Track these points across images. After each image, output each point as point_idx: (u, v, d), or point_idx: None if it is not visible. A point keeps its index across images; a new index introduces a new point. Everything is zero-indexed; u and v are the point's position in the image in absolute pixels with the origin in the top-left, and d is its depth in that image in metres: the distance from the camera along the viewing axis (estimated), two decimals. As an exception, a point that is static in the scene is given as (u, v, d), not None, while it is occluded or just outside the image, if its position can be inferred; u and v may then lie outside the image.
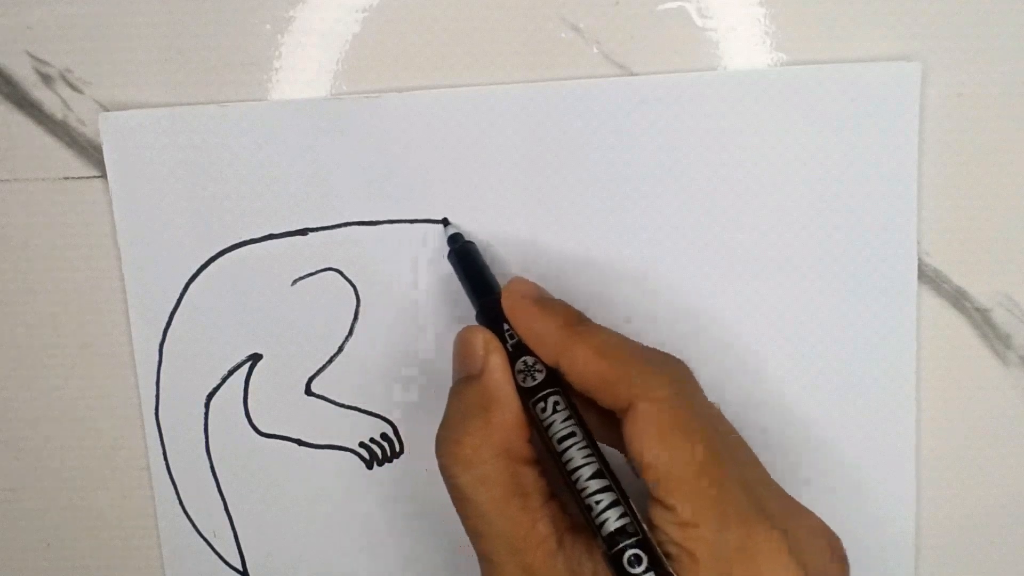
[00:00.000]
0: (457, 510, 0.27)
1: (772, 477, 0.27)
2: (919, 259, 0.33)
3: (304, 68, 0.33)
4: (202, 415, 0.34)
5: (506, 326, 0.28)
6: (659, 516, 0.25)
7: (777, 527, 0.24)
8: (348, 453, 0.35)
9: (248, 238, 0.33)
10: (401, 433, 0.34)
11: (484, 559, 0.26)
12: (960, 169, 0.33)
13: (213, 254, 0.33)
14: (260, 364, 0.34)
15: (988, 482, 0.34)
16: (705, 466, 0.24)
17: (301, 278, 0.33)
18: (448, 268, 0.32)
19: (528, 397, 0.27)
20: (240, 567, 0.35)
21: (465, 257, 0.31)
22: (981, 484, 0.34)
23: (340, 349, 0.34)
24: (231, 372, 0.34)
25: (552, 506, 0.26)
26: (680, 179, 0.32)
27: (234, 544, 0.35)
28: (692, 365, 0.28)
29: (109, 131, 0.33)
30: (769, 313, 0.33)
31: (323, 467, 0.35)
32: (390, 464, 0.35)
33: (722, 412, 0.27)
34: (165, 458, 0.35)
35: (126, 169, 0.33)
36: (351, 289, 0.33)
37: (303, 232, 0.33)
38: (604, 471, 0.26)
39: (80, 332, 0.35)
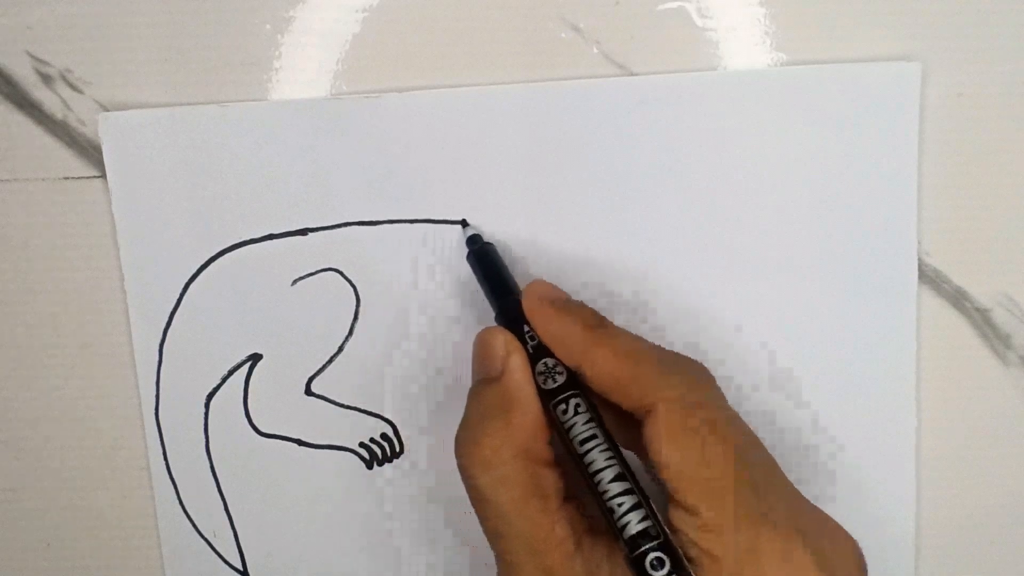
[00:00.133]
0: (476, 511, 0.27)
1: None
2: (919, 259, 0.33)
3: (304, 68, 0.33)
4: (202, 415, 0.34)
5: (526, 328, 0.28)
6: (680, 519, 0.25)
7: (801, 534, 0.24)
8: (348, 453, 0.35)
9: (248, 238, 0.33)
10: (401, 433, 0.34)
11: (502, 560, 0.26)
12: (960, 169, 0.33)
13: (213, 254, 0.33)
14: (260, 364, 0.34)
15: (988, 482, 0.34)
16: (729, 471, 0.24)
17: (301, 278, 0.33)
18: (455, 267, 0.32)
19: (548, 399, 0.27)
20: (240, 567, 0.35)
21: (484, 258, 0.31)
22: (981, 484, 0.34)
23: (340, 349, 0.34)
24: (231, 372, 0.34)
25: (570, 508, 0.26)
26: (680, 179, 0.32)
27: (234, 544, 0.35)
28: (692, 365, 0.28)
29: (109, 131, 0.33)
30: (769, 313, 0.33)
31: (323, 467, 0.35)
32: (390, 464, 0.35)
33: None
34: (165, 458, 0.35)
35: (126, 169, 0.33)
36: (351, 289, 0.33)
37: (303, 232, 0.33)
38: (626, 474, 0.26)
39: (80, 332, 0.35)
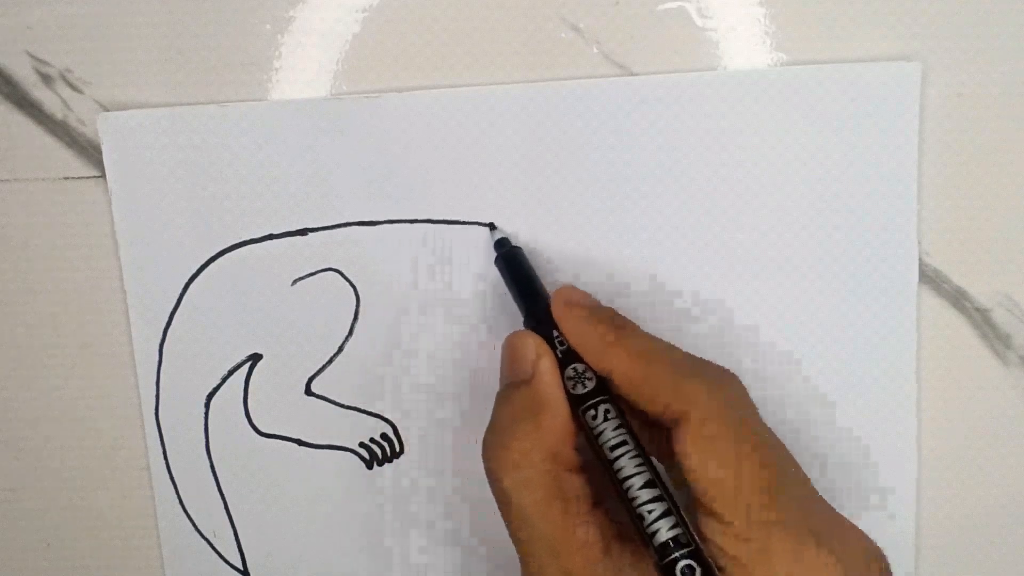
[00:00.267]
0: (501, 513, 0.27)
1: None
2: (919, 259, 0.33)
3: (304, 68, 0.33)
4: (202, 415, 0.34)
5: (555, 332, 0.28)
6: (710, 528, 0.25)
7: (832, 548, 0.24)
8: (348, 453, 0.35)
9: (248, 238, 0.33)
10: (401, 433, 0.34)
11: (525, 562, 0.26)
12: (960, 169, 0.33)
13: (213, 254, 0.33)
14: (260, 364, 0.34)
15: (988, 482, 0.34)
16: (762, 481, 0.24)
17: (301, 278, 0.33)
18: (455, 267, 0.32)
19: (578, 404, 0.27)
20: (240, 566, 0.35)
21: (512, 262, 0.31)
22: (981, 484, 0.34)
23: (340, 349, 0.34)
24: (231, 372, 0.34)
25: (598, 513, 0.26)
26: (680, 179, 0.32)
27: (234, 543, 0.35)
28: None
29: (108, 131, 0.33)
30: (769, 313, 0.33)
31: (323, 467, 0.35)
32: (390, 464, 0.35)
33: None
34: (165, 458, 0.35)
35: (125, 169, 0.33)
36: (351, 289, 0.33)
37: (303, 232, 0.33)
38: (655, 480, 0.26)
39: (80, 332, 0.35)
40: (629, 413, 0.27)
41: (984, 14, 0.32)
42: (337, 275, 0.33)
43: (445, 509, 0.35)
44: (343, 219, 0.33)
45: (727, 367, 0.33)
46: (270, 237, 0.33)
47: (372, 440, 0.34)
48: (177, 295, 0.34)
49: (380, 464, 0.35)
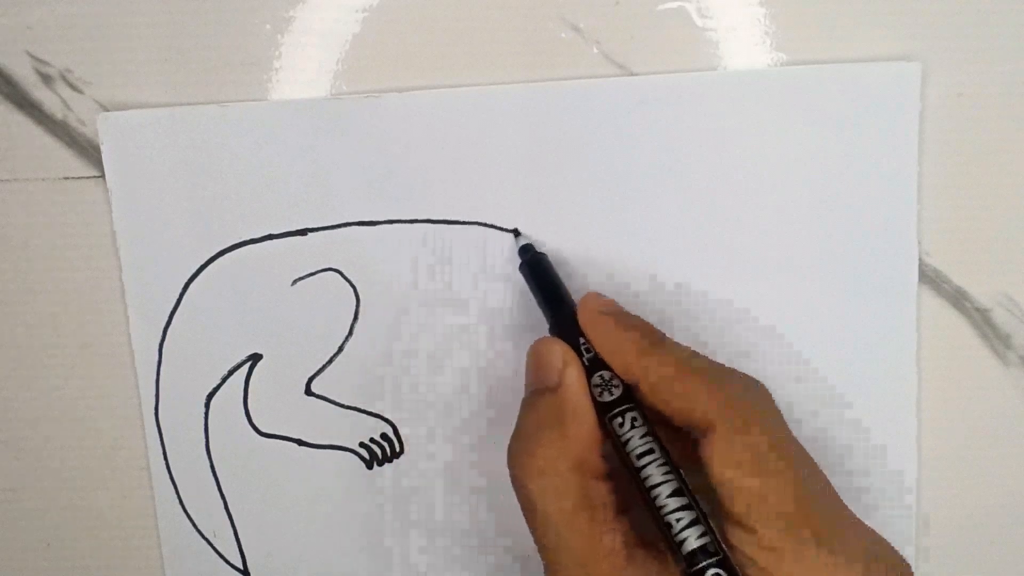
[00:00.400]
0: (527, 520, 0.27)
1: None
2: (919, 259, 0.33)
3: (304, 68, 0.33)
4: (202, 415, 0.34)
5: (581, 340, 0.28)
6: (737, 537, 0.25)
7: (858, 556, 0.24)
8: (348, 453, 0.35)
9: (248, 238, 0.33)
10: (401, 433, 0.34)
11: (551, 569, 0.26)
12: (960, 169, 0.33)
13: (213, 254, 0.33)
14: (260, 364, 0.34)
15: (988, 482, 0.34)
16: (789, 490, 0.25)
17: (301, 278, 0.33)
18: (455, 267, 0.32)
19: (604, 412, 0.27)
20: (241, 566, 0.35)
21: (537, 268, 0.31)
22: (981, 484, 0.34)
23: (340, 349, 0.34)
24: (231, 372, 0.34)
25: (622, 521, 0.26)
26: (680, 179, 0.32)
27: (235, 543, 0.35)
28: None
29: (108, 131, 0.33)
30: (769, 313, 0.33)
31: (323, 467, 0.35)
32: (390, 464, 0.35)
33: None
34: (165, 458, 0.35)
35: (125, 169, 0.33)
36: (351, 289, 0.33)
37: (303, 232, 0.33)
38: (683, 489, 0.26)
39: (80, 332, 0.35)
40: (653, 421, 0.27)
41: (984, 14, 0.32)
42: (337, 275, 0.33)
43: (445, 509, 0.35)
44: (343, 219, 0.33)
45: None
46: (270, 237, 0.33)
47: (372, 440, 0.34)
48: (177, 295, 0.34)
49: (380, 464, 0.35)
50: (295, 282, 0.34)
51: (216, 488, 0.35)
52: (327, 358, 0.34)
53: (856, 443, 0.34)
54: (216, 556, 0.35)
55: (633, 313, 0.29)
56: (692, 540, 0.25)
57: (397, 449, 0.34)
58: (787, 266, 0.33)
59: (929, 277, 0.33)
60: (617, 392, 0.27)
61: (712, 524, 0.25)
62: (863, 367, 0.33)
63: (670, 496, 0.25)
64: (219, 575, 0.36)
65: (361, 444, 0.34)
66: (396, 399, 0.34)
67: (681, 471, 0.26)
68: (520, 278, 0.32)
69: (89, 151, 0.33)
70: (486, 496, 0.35)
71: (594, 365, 0.28)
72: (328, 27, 0.32)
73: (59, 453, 0.36)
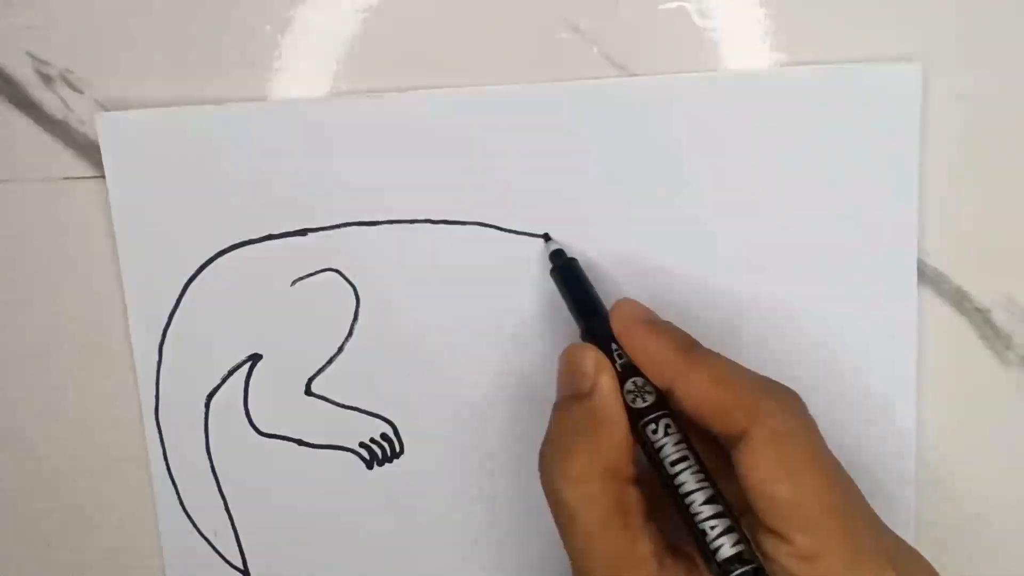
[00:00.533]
0: (559, 526, 0.27)
1: None
2: (919, 259, 0.33)
3: (304, 68, 0.33)
4: (202, 415, 0.34)
5: (614, 346, 0.28)
6: (772, 546, 0.25)
7: (891, 565, 0.24)
8: (348, 453, 0.35)
9: (248, 238, 0.33)
10: (401, 433, 0.34)
11: (581, 574, 0.26)
12: (960, 169, 0.33)
13: (213, 254, 0.33)
14: (260, 364, 0.34)
15: (988, 482, 0.34)
16: (824, 500, 0.25)
17: (301, 278, 0.33)
18: (455, 267, 0.32)
19: (637, 418, 0.27)
20: (241, 566, 0.35)
21: (569, 274, 0.31)
22: (981, 484, 0.34)
23: (340, 349, 0.34)
24: (231, 372, 0.34)
25: (651, 527, 0.26)
26: (680, 179, 0.32)
27: (235, 543, 0.35)
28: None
29: (108, 131, 0.33)
30: (769, 313, 0.33)
31: (323, 467, 0.35)
32: (390, 464, 0.35)
33: None
34: (165, 458, 0.35)
35: (125, 169, 0.33)
36: (351, 289, 0.33)
37: (303, 232, 0.33)
38: (718, 496, 0.26)
39: (80, 332, 0.35)
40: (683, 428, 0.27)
41: (984, 14, 0.32)
42: (337, 275, 0.33)
43: (445, 509, 0.35)
44: (343, 219, 0.33)
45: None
46: (270, 237, 0.33)
47: (372, 440, 0.34)
48: (177, 295, 0.34)
49: (380, 464, 0.35)
50: (295, 282, 0.34)
51: (216, 488, 0.35)
52: (327, 358, 0.34)
53: (855, 443, 0.34)
54: (216, 556, 0.35)
55: (666, 320, 0.29)
56: (727, 548, 0.25)
57: (397, 449, 0.34)
58: (786, 266, 0.33)
59: (929, 277, 0.33)
60: (650, 399, 0.27)
61: (745, 532, 0.25)
62: (863, 367, 0.33)
63: (704, 503, 0.25)
64: (219, 575, 0.36)
65: (361, 444, 0.34)
66: (396, 399, 0.34)
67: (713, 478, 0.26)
68: (520, 278, 0.32)
69: (89, 151, 0.33)
70: (486, 496, 0.35)
71: (626, 371, 0.28)
72: (328, 27, 0.32)
73: (59, 453, 0.36)
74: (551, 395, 0.33)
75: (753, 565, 0.25)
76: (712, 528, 0.25)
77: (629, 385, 0.27)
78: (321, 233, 0.33)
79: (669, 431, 0.26)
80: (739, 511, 0.26)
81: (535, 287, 0.33)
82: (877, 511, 0.34)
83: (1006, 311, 0.34)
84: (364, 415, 0.34)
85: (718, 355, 0.28)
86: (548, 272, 0.32)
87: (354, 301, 0.33)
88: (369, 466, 0.35)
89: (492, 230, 0.33)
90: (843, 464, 0.26)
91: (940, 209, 0.33)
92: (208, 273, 0.34)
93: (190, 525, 0.35)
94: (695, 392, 0.26)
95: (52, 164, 0.34)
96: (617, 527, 0.26)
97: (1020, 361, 0.34)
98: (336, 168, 0.33)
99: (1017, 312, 0.34)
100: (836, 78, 0.32)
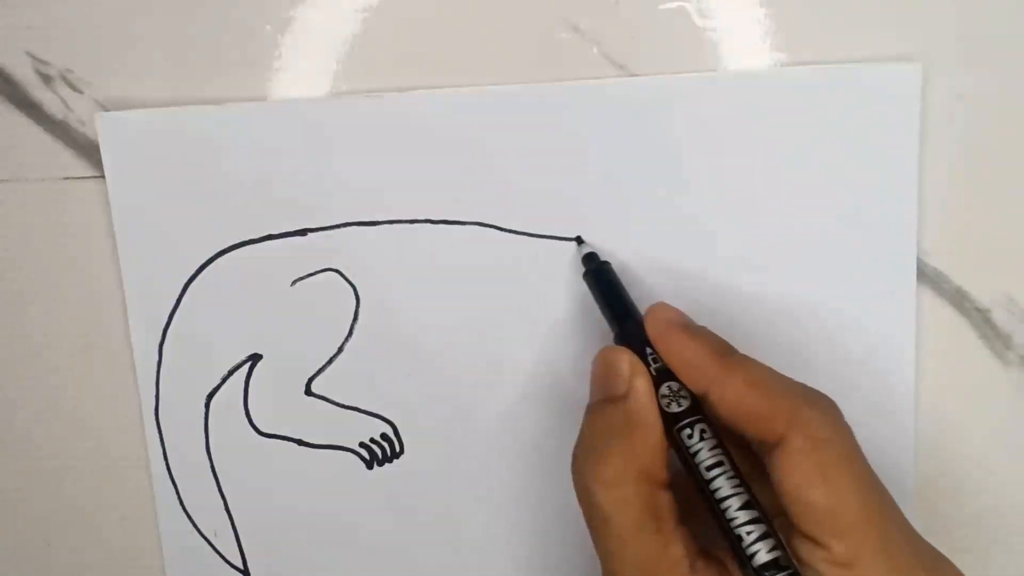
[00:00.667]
0: (591, 529, 0.27)
1: None
2: (919, 259, 0.33)
3: (304, 68, 0.33)
4: (202, 415, 0.34)
5: (648, 350, 0.28)
6: (808, 552, 0.25)
7: (925, 573, 0.25)
8: (348, 453, 0.35)
9: (248, 238, 0.33)
10: (401, 433, 0.34)
11: None
12: (960, 169, 0.33)
13: (213, 254, 0.33)
14: (260, 364, 0.34)
15: (988, 482, 0.34)
16: (861, 507, 0.25)
17: (301, 278, 0.33)
18: (454, 267, 0.32)
19: (672, 423, 0.27)
20: (241, 566, 0.35)
21: (602, 278, 0.31)
22: (981, 484, 0.34)
23: (340, 349, 0.34)
24: (231, 372, 0.34)
25: (684, 531, 0.26)
26: (680, 180, 0.32)
27: (235, 543, 0.35)
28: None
29: (107, 131, 0.33)
30: (768, 313, 0.33)
31: (323, 467, 0.35)
32: (390, 464, 0.35)
33: None
34: (165, 458, 0.35)
35: (124, 169, 0.33)
36: (351, 289, 0.33)
37: (303, 232, 0.33)
38: (753, 502, 0.26)
39: (80, 332, 0.35)
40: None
41: (984, 14, 0.32)
42: (337, 275, 0.33)
43: (445, 509, 0.35)
44: (343, 219, 0.33)
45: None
46: (270, 237, 0.33)
47: (372, 440, 0.34)
48: (176, 295, 0.34)
49: (380, 464, 0.35)
50: (295, 282, 0.34)
51: (216, 488, 0.35)
52: (327, 358, 0.34)
53: (856, 443, 0.34)
54: (216, 556, 0.35)
55: (702, 325, 0.29)
56: (763, 553, 0.25)
57: (397, 449, 0.34)
58: (786, 266, 0.33)
59: (929, 277, 0.33)
60: (685, 403, 0.27)
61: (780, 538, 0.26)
62: (862, 367, 0.33)
63: (740, 509, 0.25)
64: (219, 575, 0.36)
65: (361, 444, 0.34)
66: (396, 399, 0.34)
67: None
68: (520, 279, 0.32)
69: (89, 151, 0.33)
70: (486, 497, 0.35)
71: (661, 375, 0.28)
72: (328, 27, 0.32)
73: (59, 453, 0.36)
74: (554, 395, 0.34)
75: (790, 571, 0.25)
76: (748, 533, 0.25)
77: (664, 389, 0.27)
78: (321, 233, 0.33)
79: (704, 436, 0.26)
80: (771, 516, 0.26)
81: (535, 287, 0.33)
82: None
83: (1006, 311, 0.34)
84: (364, 415, 0.34)
85: (754, 360, 0.28)
86: (580, 275, 0.32)
87: (354, 301, 0.33)
88: (369, 466, 0.35)
89: (492, 230, 0.33)
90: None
91: (940, 209, 0.33)
92: (208, 273, 0.34)
93: (190, 525, 0.35)
94: (732, 398, 0.26)
95: (52, 164, 0.34)
96: (650, 531, 0.26)
97: (1020, 361, 0.34)
98: (336, 168, 0.33)
99: (1017, 312, 0.34)
100: (836, 78, 0.32)
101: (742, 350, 0.33)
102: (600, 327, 0.32)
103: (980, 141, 0.32)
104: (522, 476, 0.34)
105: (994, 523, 0.35)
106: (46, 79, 0.33)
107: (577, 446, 0.28)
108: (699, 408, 0.27)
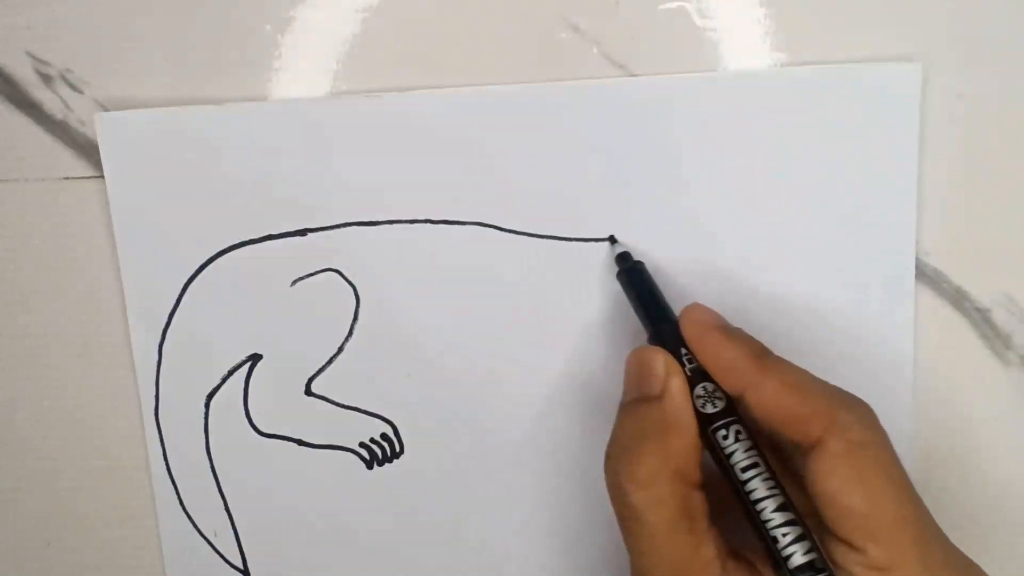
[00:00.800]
0: (624, 527, 0.27)
1: None
2: (919, 259, 0.33)
3: (304, 68, 0.33)
4: (202, 415, 0.34)
5: (683, 350, 0.28)
6: (843, 555, 0.25)
7: None
8: (348, 453, 0.35)
9: (248, 238, 0.33)
10: (401, 433, 0.34)
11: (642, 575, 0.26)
12: (960, 169, 0.33)
13: (213, 254, 0.33)
14: (260, 364, 0.34)
15: (987, 482, 0.34)
16: (898, 512, 0.25)
17: (301, 278, 0.33)
18: (454, 266, 0.32)
19: (707, 423, 0.27)
20: (241, 566, 0.35)
21: (636, 278, 0.31)
22: (980, 484, 0.34)
23: (340, 349, 0.34)
24: (231, 372, 0.34)
25: (715, 532, 0.26)
26: (680, 180, 0.32)
27: (235, 543, 0.35)
28: (692, 365, 0.28)
29: (107, 131, 0.33)
30: (768, 313, 0.33)
31: (323, 467, 0.35)
32: (390, 464, 0.35)
33: None
34: (165, 458, 0.35)
35: (124, 169, 0.33)
36: (351, 289, 0.33)
37: (303, 232, 0.33)
38: (789, 504, 0.26)
39: (80, 332, 0.35)
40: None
41: (984, 14, 0.32)
42: (337, 275, 0.33)
43: (445, 509, 0.35)
44: (343, 219, 0.33)
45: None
46: (270, 237, 0.33)
47: (372, 440, 0.34)
48: (176, 295, 0.34)
49: (380, 464, 0.35)
50: (295, 282, 0.34)
51: (216, 488, 0.35)
52: (327, 358, 0.34)
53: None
54: (216, 556, 0.35)
55: (737, 326, 0.29)
56: (799, 556, 0.25)
57: (397, 449, 0.34)
58: (786, 266, 0.33)
59: (929, 277, 0.33)
60: (720, 404, 0.27)
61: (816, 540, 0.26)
62: (861, 366, 0.33)
63: (776, 511, 0.25)
64: (219, 575, 0.36)
65: (361, 444, 0.34)
66: (396, 399, 0.34)
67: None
68: (521, 279, 0.32)
69: (89, 151, 0.33)
70: (487, 497, 0.35)
71: (695, 376, 0.28)
72: (328, 27, 0.32)
73: (59, 453, 0.36)
74: (552, 395, 0.33)
75: (825, 574, 0.25)
76: (784, 535, 0.25)
77: (699, 390, 0.27)
78: (321, 233, 0.33)
79: (740, 437, 0.27)
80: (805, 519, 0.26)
81: (535, 288, 0.33)
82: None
83: (1006, 311, 0.34)
84: (364, 415, 0.34)
85: (791, 363, 0.28)
86: (614, 275, 0.32)
87: (354, 301, 0.33)
88: (369, 466, 0.35)
89: (492, 230, 0.33)
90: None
91: (940, 209, 0.33)
92: (208, 273, 0.34)
93: (190, 525, 0.35)
94: (769, 400, 0.26)
95: (52, 164, 0.34)
96: (683, 531, 0.26)
97: (1020, 361, 0.34)
98: (336, 168, 0.33)
99: (1017, 312, 0.34)
100: (836, 78, 0.32)
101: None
102: (606, 326, 0.32)
103: (980, 141, 0.32)
104: (522, 476, 0.34)
105: (994, 522, 0.35)
106: (46, 79, 0.33)
107: (610, 445, 0.28)
108: (734, 409, 0.27)
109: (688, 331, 0.28)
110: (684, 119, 0.32)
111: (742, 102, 0.32)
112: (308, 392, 0.34)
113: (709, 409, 0.27)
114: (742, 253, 0.33)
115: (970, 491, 0.35)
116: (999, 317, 0.34)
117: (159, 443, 0.35)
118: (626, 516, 0.26)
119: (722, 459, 0.27)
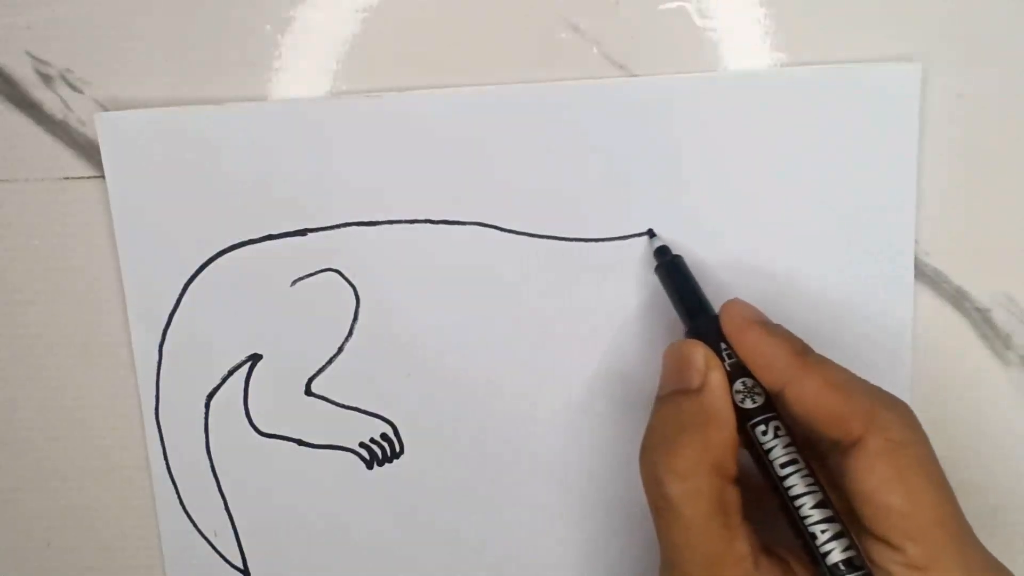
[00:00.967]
0: (658, 519, 0.27)
1: None
2: (919, 259, 0.33)
3: (304, 68, 0.33)
4: (202, 415, 0.34)
5: (723, 345, 0.28)
6: (881, 554, 0.25)
7: None
8: (348, 453, 0.35)
9: (248, 238, 0.33)
10: (401, 433, 0.34)
11: (674, 568, 0.26)
12: (960, 169, 0.33)
13: (213, 254, 0.33)
14: (260, 364, 0.34)
15: (987, 482, 0.34)
16: (937, 511, 0.25)
17: (301, 278, 0.33)
18: (454, 266, 0.32)
19: (745, 419, 0.27)
20: (241, 566, 0.35)
21: (675, 272, 0.31)
22: (980, 484, 0.34)
23: (340, 349, 0.34)
24: (231, 372, 0.34)
25: (748, 527, 0.26)
26: (679, 180, 0.32)
27: (235, 543, 0.35)
28: (692, 365, 0.28)
29: (107, 131, 0.33)
30: (767, 312, 0.33)
31: (323, 467, 0.35)
32: (390, 464, 0.35)
33: None
34: (165, 458, 0.35)
35: (124, 169, 0.33)
36: (351, 289, 0.33)
37: (303, 232, 0.33)
38: (827, 501, 0.26)
39: (80, 332, 0.35)
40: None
41: (984, 14, 0.32)
42: (337, 275, 0.33)
43: (445, 509, 0.35)
44: (343, 219, 0.33)
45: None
46: (270, 237, 0.33)
47: (372, 440, 0.34)
48: (176, 295, 0.34)
49: (380, 464, 0.35)
50: (295, 282, 0.34)
51: (216, 488, 0.35)
52: (327, 358, 0.34)
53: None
54: (216, 556, 0.35)
55: (777, 323, 0.29)
56: (837, 553, 0.25)
57: (397, 449, 0.34)
58: (786, 265, 0.33)
59: (929, 277, 0.33)
60: (759, 400, 0.27)
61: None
62: (860, 366, 0.33)
63: (814, 507, 0.25)
64: (219, 575, 0.36)
65: (361, 444, 0.34)
66: (396, 399, 0.34)
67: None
68: (521, 279, 0.32)
69: (89, 151, 0.33)
70: (487, 497, 0.35)
71: (735, 371, 0.28)
72: (328, 27, 0.32)
73: (59, 453, 0.36)
74: (553, 395, 0.33)
75: (863, 571, 0.25)
76: (823, 532, 0.25)
77: (738, 385, 0.27)
78: (321, 233, 0.33)
79: (779, 433, 0.27)
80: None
81: (535, 288, 0.33)
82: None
83: (1006, 311, 0.34)
84: (364, 415, 0.34)
85: (831, 361, 0.28)
86: (653, 270, 0.32)
87: (354, 301, 0.33)
88: (369, 466, 0.35)
89: (493, 230, 0.33)
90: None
91: (940, 209, 0.33)
92: (208, 273, 0.34)
93: (190, 525, 0.35)
94: (809, 397, 0.26)
95: (52, 164, 0.34)
96: (718, 525, 0.26)
97: (1020, 361, 0.34)
98: (336, 168, 0.33)
99: (1017, 312, 0.34)
100: (836, 78, 0.32)
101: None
102: (605, 327, 0.32)
103: (980, 141, 0.32)
104: (521, 476, 0.34)
105: (995, 523, 0.35)
106: (46, 79, 0.33)
107: (647, 436, 0.27)
108: (773, 405, 0.27)
109: (728, 326, 0.28)
110: (684, 119, 0.32)
111: (742, 102, 0.32)
112: (308, 392, 0.34)
113: (748, 404, 0.27)
114: (742, 253, 0.33)
115: (970, 491, 0.34)
116: (999, 317, 0.34)
117: (159, 443, 0.35)
118: (662, 507, 0.26)
119: (760, 455, 0.27)
